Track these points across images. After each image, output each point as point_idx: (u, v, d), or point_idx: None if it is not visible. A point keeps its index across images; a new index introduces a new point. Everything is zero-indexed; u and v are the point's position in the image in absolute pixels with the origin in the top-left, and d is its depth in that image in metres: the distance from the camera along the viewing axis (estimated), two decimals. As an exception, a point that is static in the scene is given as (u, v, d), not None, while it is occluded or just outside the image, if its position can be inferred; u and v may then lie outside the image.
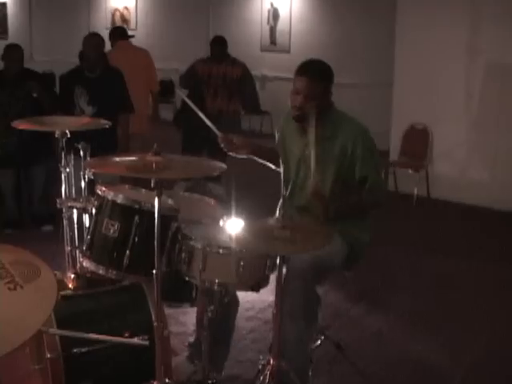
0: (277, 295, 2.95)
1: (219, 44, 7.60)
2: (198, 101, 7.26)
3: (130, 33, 8.05)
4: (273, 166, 3.85)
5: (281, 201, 3.22)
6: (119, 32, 7.86)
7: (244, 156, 3.81)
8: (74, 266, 3.58)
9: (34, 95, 5.96)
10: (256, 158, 3.89)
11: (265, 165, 3.94)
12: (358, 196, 3.60)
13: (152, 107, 7.93)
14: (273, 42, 12.71)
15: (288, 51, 12.36)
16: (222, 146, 3.77)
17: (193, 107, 3.78)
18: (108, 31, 8.06)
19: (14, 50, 6.22)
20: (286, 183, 3.62)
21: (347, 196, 3.58)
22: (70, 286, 3.47)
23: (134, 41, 8.08)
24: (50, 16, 15.39)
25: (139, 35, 13.20)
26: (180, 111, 8.20)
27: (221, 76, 7.43)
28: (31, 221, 6.54)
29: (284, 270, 3.10)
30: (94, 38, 6.13)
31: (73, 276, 3.48)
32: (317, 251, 3.04)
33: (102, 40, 6.17)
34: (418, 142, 8.49)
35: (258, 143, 3.94)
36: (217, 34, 7.85)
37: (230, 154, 3.82)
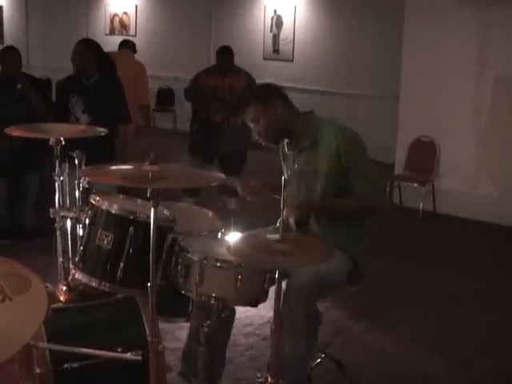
0: (275, 311, 2.94)
1: (226, 55, 7.52)
2: (204, 114, 7.28)
3: (132, 40, 8.44)
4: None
5: (281, 216, 3.20)
6: (127, 44, 8.43)
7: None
8: (66, 278, 3.57)
9: (19, 86, 5.97)
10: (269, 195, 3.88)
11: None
12: (352, 198, 3.56)
13: (144, 120, 8.03)
14: (276, 50, 12.74)
15: (291, 60, 12.40)
16: (240, 191, 3.83)
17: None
18: (107, 37, 8.28)
19: (11, 52, 6.23)
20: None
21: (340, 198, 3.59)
22: (62, 298, 3.45)
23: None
24: (48, 20, 15.43)
25: (139, 42, 13.19)
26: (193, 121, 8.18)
27: (227, 88, 7.36)
28: (23, 232, 6.52)
29: (283, 285, 3.09)
30: (77, 46, 6.06)
31: (65, 288, 3.47)
32: (318, 266, 3.03)
33: (89, 46, 6.05)
34: (424, 156, 8.49)
35: (272, 181, 3.92)
36: (224, 45, 7.80)
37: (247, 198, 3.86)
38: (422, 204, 8.13)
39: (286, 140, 3.72)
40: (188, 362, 3.70)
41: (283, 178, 2.96)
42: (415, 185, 8.35)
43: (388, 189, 8.40)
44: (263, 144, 3.71)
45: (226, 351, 3.81)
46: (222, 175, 3.05)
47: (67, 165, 3.75)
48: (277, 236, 2.84)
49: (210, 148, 7.18)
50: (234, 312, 3.73)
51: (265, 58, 12.74)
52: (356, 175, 3.49)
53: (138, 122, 7.86)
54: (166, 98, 13.91)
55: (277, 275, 2.88)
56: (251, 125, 3.66)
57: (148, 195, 2.79)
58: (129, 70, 7.52)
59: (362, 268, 3.69)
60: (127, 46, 8.44)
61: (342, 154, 3.47)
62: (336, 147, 3.48)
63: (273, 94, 3.66)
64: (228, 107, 7.28)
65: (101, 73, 5.98)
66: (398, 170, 8.73)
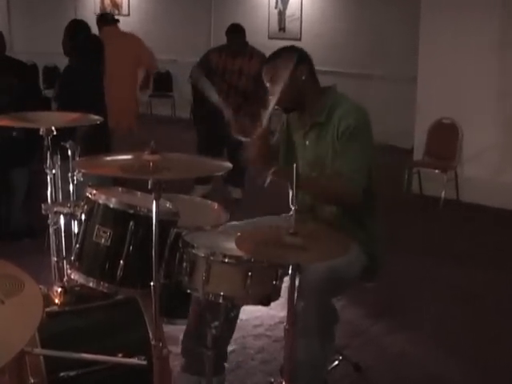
0: (289, 310, 2.94)
1: (235, 32, 7.46)
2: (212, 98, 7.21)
3: (120, 20, 8.11)
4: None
5: (292, 205, 3.20)
6: (105, 18, 7.95)
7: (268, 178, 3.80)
8: (61, 278, 3.57)
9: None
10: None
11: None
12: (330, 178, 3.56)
13: (144, 81, 7.81)
14: (282, 28, 12.72)
15: (299, 39, 12.38)
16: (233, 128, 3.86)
17: (205, 88, 3.86)
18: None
19: None
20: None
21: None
22: (57, 301, 3.45)
23: (126, 28, 8.11)
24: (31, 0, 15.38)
25: (132, 22, 13.22)
26: (195, 108, 8.12)
27: (236, 71, 7.31)
28: (11, 231, 6.50)
29: (296, 282, 3.10)
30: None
31: (60, 290, 3.47)
32: (332, 261, 3.04)
33: (67, 28, 6.13)
34: (445, 140, 8.48)
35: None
36: (234, 22, 7.75)
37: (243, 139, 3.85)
38: (443, 192, 8.12)
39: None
40: (190, 360, 3.69)
41: (294, 165, 2.95)
42: (436, 171, 8.34)
43: (406, 176, 8.40)
44: (272, 107, 3.65)
45: (227, 352, 3.83)
46: (228, 164, 3.05)
47: (59, 157, 3.75)
48: (288, 228, 2.84)
49: (219, 134, 7.11)
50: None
51: (270, 37, 12.72)
52: (341, 152, 3.52)
53: (138, 107, 7.83)
54: (163, 82, 13.90)
55: (290, 271, 2.88)
56: (268, 84, 3.66)
57: (149, 187, 2.79)
58: (125, 45, 7.39)
59: (377, 263, 3.71)
60: (107, 20, 7.87)
61: (341, 125, 3.52)
62: (337, 125, 3.54)
63: (303, 58, 3.70)
64: (238, 93, 7.25)
65: (79, 59, 6.01)
66: (417, 155, 8.73)
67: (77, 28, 6.37)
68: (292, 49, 3.75)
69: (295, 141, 3.84)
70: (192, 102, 8.35)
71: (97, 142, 5.44)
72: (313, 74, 3.73)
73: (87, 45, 6.24)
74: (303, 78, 3.65)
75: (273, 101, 3.53)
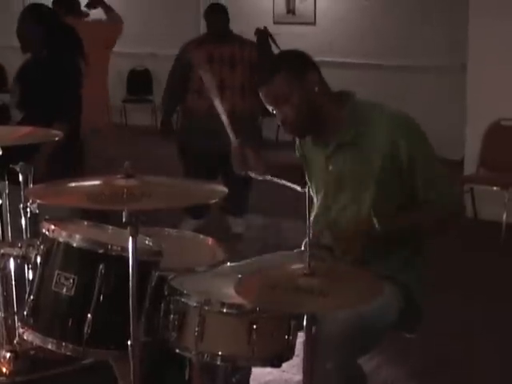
0: (305, 372, 2.95)
1: (217, 13, 7.55)
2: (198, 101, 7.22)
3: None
4: (298, 188, 3.87)
5: (307, 238, 3.22)
6: (65, 5, 7.88)
7: (259, 177, 3.87)
8: (11, 340, 3.59)
9: None
10: (275, 180, 3.93)
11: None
12: (423, 210, 3.61)
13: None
14: (291, 10, 12.78)
15: (313, 23, 12.43)
16: (234, 161, 3.83)
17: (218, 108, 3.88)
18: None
19: None
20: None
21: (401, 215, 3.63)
22: (5, 370, 3.47)
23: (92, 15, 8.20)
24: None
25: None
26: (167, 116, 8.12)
27: (227, 60, 7.33)
28: None
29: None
30: (21, 15, 6.08)
31: (9, 356, 3.49)
32: (358, 308, 3.05)
33: (33, 16, 6.08)
34: (506, 147, 8.47)
35: (276, 160, 3.97)
36: (213, 1, 7.85)
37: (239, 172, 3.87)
38: (505, 215, 8.11)
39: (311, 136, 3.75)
40: None
41: (306, 187, 2.98)
42: (494, 188, 8.33)
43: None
44: (288, 132, 3.70)
45: None
46: (224, 189, 3.08)
47: (6, 183, 3.78)
48: (302, 266, 2.86)
49: (210, 156, 7.15)
50: (249, 374, 3.75)
51: (276, 22, 12.74)
52: (422, 178, 3.54)
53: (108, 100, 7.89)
54: (140, 83, 13.93)
55: (305, 322, 2.90)
56: (272, 109, 3.65)
57: (124, 220, 2.81)
58: (92, 36, 7.40)
59: (419, 308, 3.71)
60: (69, 11, 7.59)
61: (399, 150, 3.50)
62: (390, 141, 3.52)
63: (309, 65, 3.68)
64: (235, 89, 7.25)
65: (50, 51, 5.99)
66: (470, 169, 8.72)
67: (45, 13, 6.30)
68: (289, 56, 3.74)
69: (311, 160, 3.85)
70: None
71: (66, 162, 5.46)
72: (323, 82, 3.69)
73: (62, 33, 6.19)
74: (316, 89, 3.62)
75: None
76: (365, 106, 3.68)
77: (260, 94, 3.66)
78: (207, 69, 7.01)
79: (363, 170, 3.58)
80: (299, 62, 3.67)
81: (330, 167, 3.68)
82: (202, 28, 12.58)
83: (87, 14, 8.05)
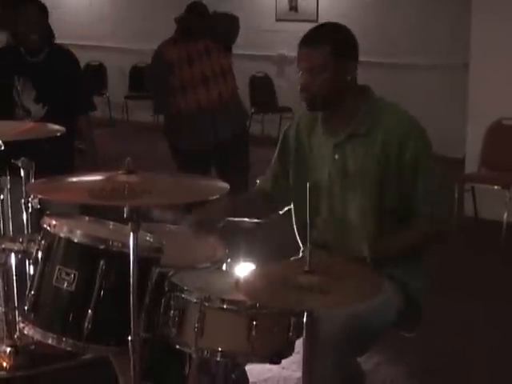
0: (305, 370, 2.96)
1: (192, 12, 7.51)
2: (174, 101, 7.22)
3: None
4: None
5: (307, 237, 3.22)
6: None
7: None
8: (12, 335, 3.59)
9: None
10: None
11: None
12: (411, 230, 3.64)
13: None
14: (293, 7, 12.78)
15: (315, 20, 12.42)
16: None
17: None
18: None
19: None
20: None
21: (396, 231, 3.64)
22: (5, 364, 3.48)
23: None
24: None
25: (99, 4, 13.23)
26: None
27: (204, 55, 7.29)
28: None
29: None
30: (31, 8, 5.99)
31: (9, 350, 3.50)
32: (357, 306, 3.06)
33: (42, 9, 6.01)
34: (507, 147, 8.47)
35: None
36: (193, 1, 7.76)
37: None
38: (506, 215, 8.11)
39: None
40: None
41: (308, 184, 2.98)
42: (495, 188, 8.33)
43: (457, 194, 8.32)
44: (302, 99, 3.70)
45: None
46: (226, 185, 3.08)
47: (9, 178, 3.78)
48: (303, 264, 2.87)
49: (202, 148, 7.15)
50: (245, 371, 3.75)
51: (278, 19, 12.76)
52: (422, 189, 3.56)
53: None
54: (142, 79, 13.87)
55: (305, 319, 2.91)
56: (301, 72, 3.63)
57: (125, 215, 2.81)
58: None
59: (419, 307, 3.72)
60: None
61: (406, 152, 3.53)
62: (398, 142, 3.54)
63: (354, 54, 3.71)
64: (217, 76, 7.24)
65: (51, 45, 5.97)
66: (471, 167, 8.72)
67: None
68: (343, 35, 3.73)
69: (310, 150, 3.83)
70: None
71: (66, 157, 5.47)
72: (356, 74, 3.70)
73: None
74: (348, 78, 3.64)
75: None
76: (382, 104, 3.71)
77: (297, 50, 3.65)
78: (187, 69, 7.08)
79: (368, 164, 3.60)
80: (349, 46, 3.70)
81: (337, 156, 3.68)
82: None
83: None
